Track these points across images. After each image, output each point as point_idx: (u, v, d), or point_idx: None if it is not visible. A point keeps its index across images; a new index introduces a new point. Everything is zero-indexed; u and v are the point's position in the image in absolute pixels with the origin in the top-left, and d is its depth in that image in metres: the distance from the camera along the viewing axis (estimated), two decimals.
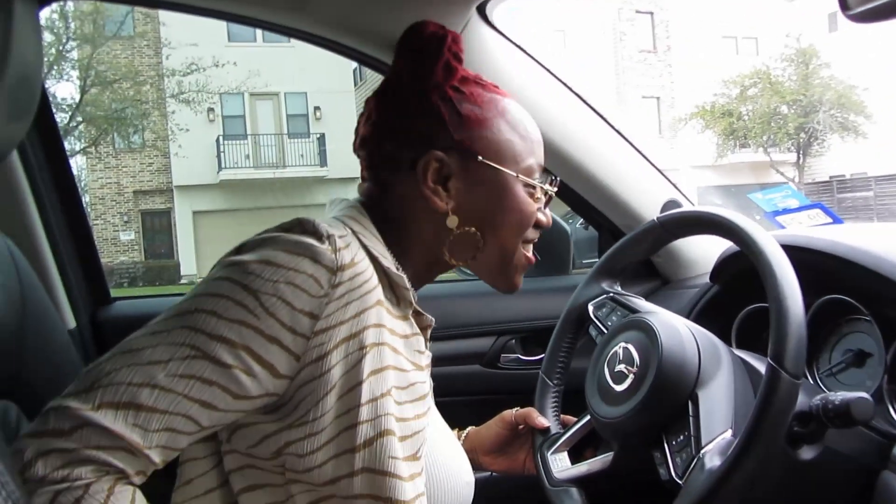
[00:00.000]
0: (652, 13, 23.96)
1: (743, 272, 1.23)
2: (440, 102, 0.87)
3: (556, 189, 0.96)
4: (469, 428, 1.19)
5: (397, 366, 0.82)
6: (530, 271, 0.99)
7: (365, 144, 0.92)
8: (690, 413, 0.91)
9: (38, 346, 1.00)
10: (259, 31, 15.36)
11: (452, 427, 1.10)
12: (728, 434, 0.88)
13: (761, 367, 0.94)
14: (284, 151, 19.75)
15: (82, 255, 1.54)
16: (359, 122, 0.94)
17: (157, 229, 19.45)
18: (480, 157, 0.88)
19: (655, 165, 1.55)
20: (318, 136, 19.56)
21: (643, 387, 0.94)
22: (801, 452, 0.88)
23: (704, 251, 1.53)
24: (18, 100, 0.55)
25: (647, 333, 0.97)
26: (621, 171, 1.51)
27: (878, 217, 17.12)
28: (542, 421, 1.13)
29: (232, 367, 0.72)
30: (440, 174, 0.88)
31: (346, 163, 12.89)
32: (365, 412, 0.76)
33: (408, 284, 0.85)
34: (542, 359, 1.21)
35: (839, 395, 0.84)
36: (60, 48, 16.03)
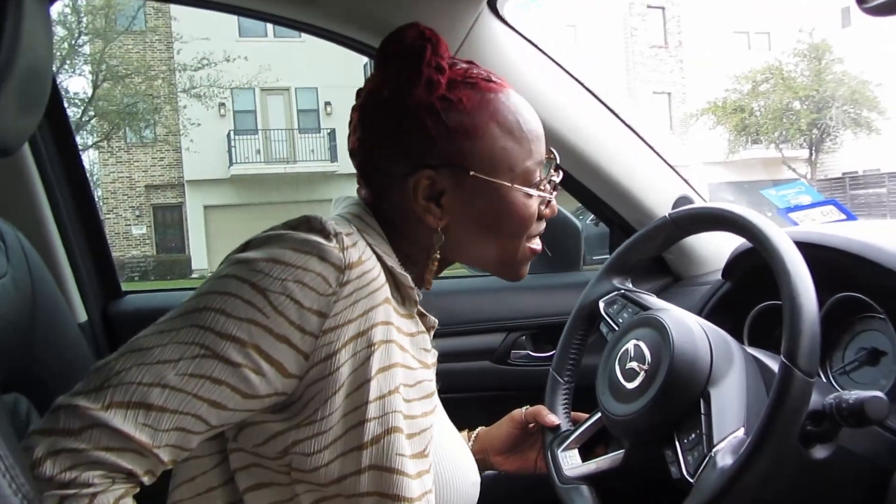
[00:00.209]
0: (663, 8, 23.83)
1: (755, 269, 1.22)
2: (426, 117, 0.82)
3: (559, 178, 0.93)
4: (479, 429, 1.18)
5: (405, 363, 0.82)
6: (541, 267, 0.99)
7: (354, 156, 0.90)
8: (702, 411, 0.90)
9: (49, 339, 1.00)
10: (270, 26, 15.46)
11: (463, 425, 1.10)
12: (740, 432, 0.87)
13: (774, 365, 0.93)
14: (295, 146, 19.78)
15: (94, 249, 1.54)
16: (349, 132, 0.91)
17: (169, 223, 19.56)
18: (473, 173, 0.84)
19: (667, 161, 1.54)
20: (329, 131, 19.58)
21: (654, 384, 0.93)
22: (814, 452, 0.88)
23: (716, 248, 1.52)
24: (29, 94, 0.55)
25: (659, 330, 0.96)
26: (633, 167, 1.50)
27: (892, 214, 17.04)
28: (553, 418, 1.12)
29: (241, 366, 0.71)
30: (433, 191, 0.85)
31: None
32: (373, 409, 0.76)
33: (412, 283, 0.85)
34: (552, 355, 1.21)
35: (853, 394, 0.83)
36: (73, 43, 16.14)
